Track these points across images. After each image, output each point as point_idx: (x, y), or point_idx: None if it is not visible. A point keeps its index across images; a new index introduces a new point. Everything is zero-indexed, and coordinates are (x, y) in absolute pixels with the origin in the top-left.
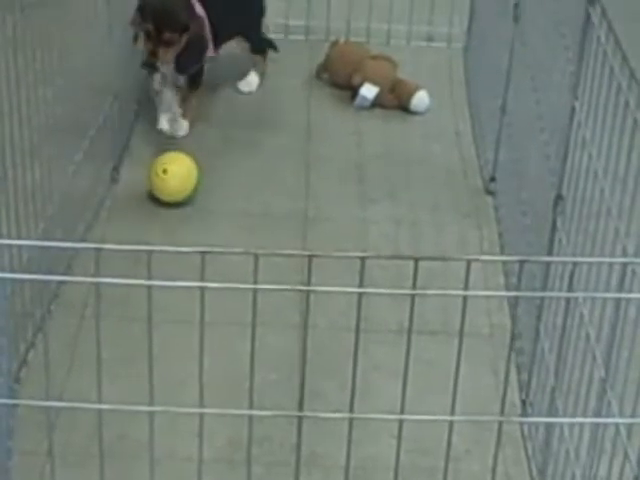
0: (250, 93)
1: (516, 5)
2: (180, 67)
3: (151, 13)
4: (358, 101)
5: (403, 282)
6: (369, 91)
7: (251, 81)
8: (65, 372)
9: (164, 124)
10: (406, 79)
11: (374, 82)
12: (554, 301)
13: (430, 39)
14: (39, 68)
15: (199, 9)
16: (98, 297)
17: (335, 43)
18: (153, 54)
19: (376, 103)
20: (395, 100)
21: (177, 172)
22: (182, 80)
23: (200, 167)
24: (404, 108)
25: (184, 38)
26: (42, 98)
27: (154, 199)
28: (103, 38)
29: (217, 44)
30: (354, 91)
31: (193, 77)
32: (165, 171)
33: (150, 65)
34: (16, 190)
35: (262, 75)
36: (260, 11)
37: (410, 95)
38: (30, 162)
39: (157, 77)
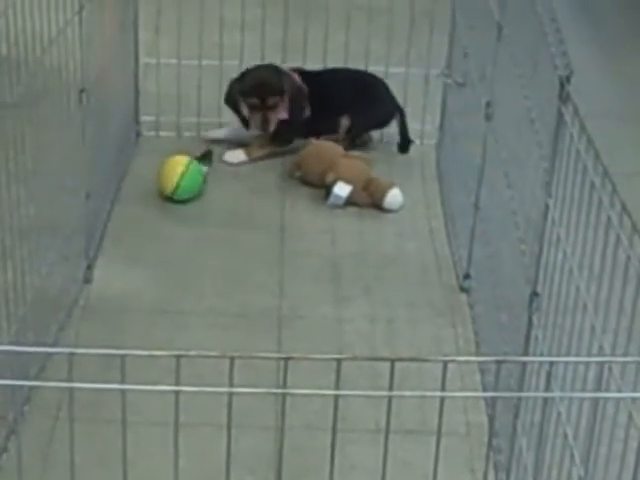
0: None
1: (488, 103)
2: (292, 120)
3: (252, 88)
4: (331, 200)
5: (378, 378)
6: (342, 189)
7: None
8: (38, 476)
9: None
10: (379, 177)
11: (347, 180)
12: (531, 398)
13: None
14: (12, 168)
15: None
16: (71, 402)
17: (308, 142)
18: (265, 121)
19: (350, 201)
20: (368, 198)
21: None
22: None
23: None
24: (377, 206)
25: (285, 98)
26: (15, 198)
27: (128, 299)
28: (76, 138)
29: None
30: (327, 189)
31: (280, 133)
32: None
33: (264, 129)
34: None
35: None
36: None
37: (383, 193)
38: (2, 263)
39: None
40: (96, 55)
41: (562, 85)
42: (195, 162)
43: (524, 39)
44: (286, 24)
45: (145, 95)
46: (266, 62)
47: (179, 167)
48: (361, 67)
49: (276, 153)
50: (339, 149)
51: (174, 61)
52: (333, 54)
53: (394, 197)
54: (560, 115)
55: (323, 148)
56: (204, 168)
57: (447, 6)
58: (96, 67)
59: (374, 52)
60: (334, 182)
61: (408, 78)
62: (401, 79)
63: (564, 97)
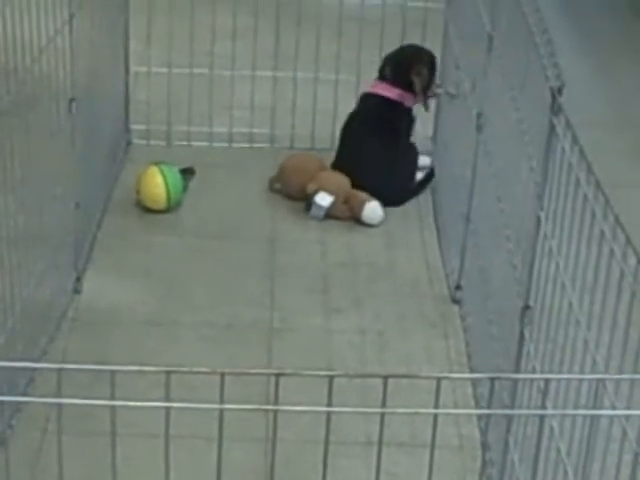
0: None
1: (479, 115)
2: None
3: None
4: (313, 210)
5: (369, 390)
6: (324, 199)
7: None
8: None
9: None
10: (358, 191)
11: (329, 191)
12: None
13: None
14: (1, 177)
15: None
16: (60, 416)
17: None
18: None
19: (329, 214)
20: (347, 212)
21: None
22: None
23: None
24: (356, 219)
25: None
26: (4, 208)
27: (117, 310)
28: (66, 148)
29: None
30: (308, 201)
31: None
32: (138, 192)
33: None
34: None
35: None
36: None
37: (361, 206)
38: None
39: None
40: (86, 64)
41: (554, 97)
42: (163, 165)
43: (516, 51)
44: (278, 33)
45: (136, 104)
46: (258, 72)
47: (157, 178)
48: (352, 76)
49: None
50: (319, 162)
51: (165, 70)
52: (325, 64)
53: (372, 210)
54: (552, 127)
55: (303, 160)
56: (174, 168)
57: (439, 17)
58: (86, 76)
59: (366, 62)
60: (316, 192)
61: None
62: None
63: (556, 109)
